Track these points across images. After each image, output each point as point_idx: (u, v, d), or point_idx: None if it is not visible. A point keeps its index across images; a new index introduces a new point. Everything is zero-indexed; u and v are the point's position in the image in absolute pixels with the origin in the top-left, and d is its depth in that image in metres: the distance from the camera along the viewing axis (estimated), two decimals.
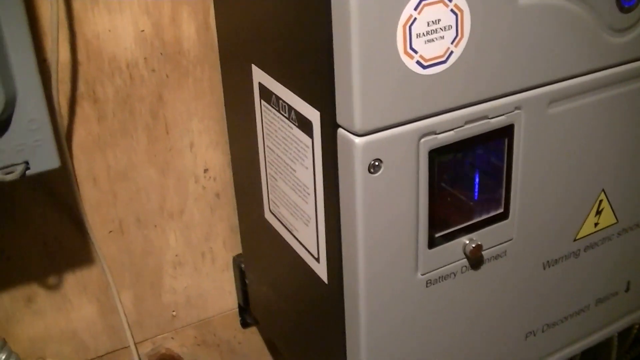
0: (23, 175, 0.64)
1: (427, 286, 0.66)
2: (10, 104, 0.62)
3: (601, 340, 0.84)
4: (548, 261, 0.74)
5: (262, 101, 0.71)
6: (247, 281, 0.92)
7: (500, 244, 0.69)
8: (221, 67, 0.82)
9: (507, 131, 0.64)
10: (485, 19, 0.58)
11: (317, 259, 0.68)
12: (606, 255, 0.79)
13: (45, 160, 0.66)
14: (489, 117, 0.62)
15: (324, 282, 0.68)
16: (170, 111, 0.83)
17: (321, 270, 0.68)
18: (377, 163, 0.58)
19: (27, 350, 0.86)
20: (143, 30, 0.79)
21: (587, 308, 0.81)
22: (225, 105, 0.84)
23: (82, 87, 0.77)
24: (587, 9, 0.63)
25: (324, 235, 0.66)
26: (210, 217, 0.91)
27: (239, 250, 0.95)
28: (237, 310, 0.98)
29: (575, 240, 0.75)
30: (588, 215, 0.74)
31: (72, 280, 0.85)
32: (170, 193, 0.87)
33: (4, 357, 0.74)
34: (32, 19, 0.71)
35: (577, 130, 0.69)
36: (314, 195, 0.65)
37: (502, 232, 0.69)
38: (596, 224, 0.76)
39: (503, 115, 0.63)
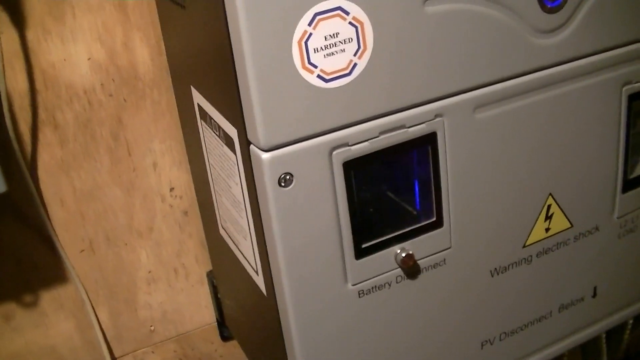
0: None
1: (359, 296, 0.67)
2: None
3: (569, 348, 0.83)
4: (496, 268, 0.73)
5: (201, 121, 0.73)
6: (219, 295, 0.94)
7: (437, 252, 0.69)
8: (174, 89, 0.85)
9: (429, 139, 0.64)
10: (389, 29, 0.58)
11: (257, 272, 0.70)
12: (564, 261, 0.77)
13: None
14: (407, 126, 0.62)
15: (264, 294, 0.69)
16: (130, 133, 0.86)
17: (260, 282, 0.69)
18: (287, 177, 0.59)
19: None
20: (96, 58, 0.82)
21: (549, 315, 0.79)
22: (181, 125, 0.86)
23: (42, 114, 0.81)
24: (506, 12, 0.63)
25: (257, 249, 0.67)
26: (179, 234, 0.93)
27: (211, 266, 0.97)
28: (216, 324, 1.00)
29: (525, 246, 0.74)
30: (536, 220, 0.73)
31: (48, 298, 0.89)
32: (138, 212, 0.90)
33: None
34: None
35: (511, 134, 0.68)
36: (245, 210, 0.67)
37: (437, 240, 0.68)
38: (547, 229, 0.75)
39: (423, 123, 0.63)
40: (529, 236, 0.74)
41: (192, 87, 0.73)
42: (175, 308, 0.97)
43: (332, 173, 0.61)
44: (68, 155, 0.83)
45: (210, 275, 0.96)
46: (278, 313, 0.67)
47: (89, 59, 0.81)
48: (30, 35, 0.78)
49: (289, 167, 0.59)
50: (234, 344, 0.99)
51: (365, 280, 0.66)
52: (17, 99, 0.79)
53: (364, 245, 0.65)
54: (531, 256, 0.75)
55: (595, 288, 0.81)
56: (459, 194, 0.68)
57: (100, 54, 0.81)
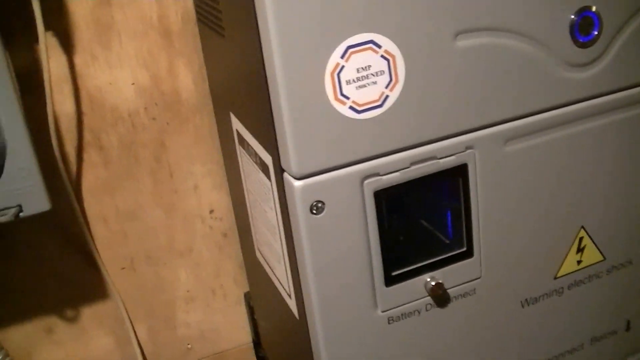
0: (17, 217, 0.71)
1: (389, 323, 0.68)
2: (1, 154, 0.69)
3: None
4: (527, 299, 0.74)
5: (239, 146, 0.75)
6: (255, 317, 0.96)
7: (467, 282, 0.69)
8: (215, 115, 0.87)
9: (460, 171, 0.65)
10: (421, 63, 0.59)
11: (290, 296, 0.71)
12: (596, 293, 0.77)
13: (37, 203, 0.72)
14: (438, 157, 0.63)
15: (296, 317, 0.71)
16: (172, 156, 0.88)
17: (293, 305, 0.71)
18: (319, 204, 0.61)
19: None
20: (141, 83, 0.85)
21: (580, 347, 0.79)
22: (221, 149, 0.88)
23: (87, 135, 0.84)
24: (538, 46, 0.64)
25: (290, 273, 0.69)
26: (218, 255, 0.95)
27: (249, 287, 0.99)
28: (252, 344, 1.01)
29: (556, 278, 0.74)
30: (568, 252, 0.74)
31: (89, 313, 0.92)
32: (178, 232, 0.92)
33: None
34: (37, 77, 0.78)
35: (541, 167, 0.69)
36: (279, 235, 0.69)
37: (467, 270, 0.69)
38: (579, 262, 0.75)
39: (453, 155, 0.64)
40: (560, 268, 0.74)
41: (231, 113, 0.75)
42: (212, 327, 0.99)
43: (364, 202, 0.62)
44: (112, 176, 0.86)
45: (247, 296, 0.98)
46: (309, 336, 0.68)
47: (133, 83, 0.84)
48: (78, 60, 0.81)
49: (320, 195, 0.61)
50: None
51: (395, 307, 0.67)
52: (64, 121, 0.83)
53: (394, 273, 0.66)
54: (562, 288, 0.75)
55: (628, 321, 0.81)
56: (489, 224, 0.68)
57: (144, 79, 0.84)
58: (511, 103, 0.65)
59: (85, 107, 0.83)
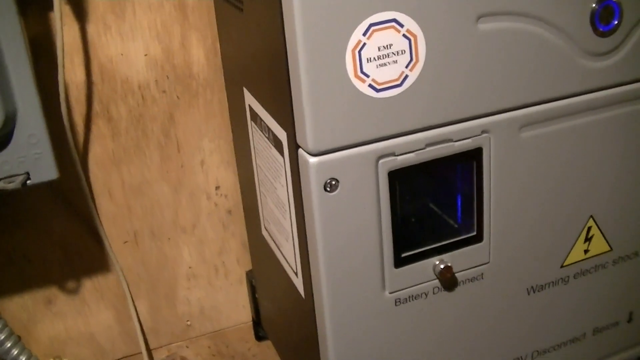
0: (24, 184, 0.70)
1: (396, 305, 0.68)
2: (11, 120, 0.68)
3: None
4: (533, 287, 0.74)
5: (251, 122, 0.75)
6: (256, 296, 0.96)
7: (475, 266, 0.69)
8: (226, 90, 0.86)
9: (474, 154, 0.65)
10: (441, 44, 0.59)
11: (296, 274, 0.71)
12: (601, 284, 0.78)
13: (45, 171, 0.71)
14: (453, 140, 0.63)
15: (302, 296, 0.71)
16: (181, 130, 0.88)
17: (299, 284, 0.71)
18: (333, 182, 0.61)
19: (46, 350, 0.92)
20: (153, 55, 0.84)
21: (582, 337, 0.79)
22: (231, 125, 0.88)
23: (96, 106, 0.83)
24: (559, 33, 0.64)
25: (299, 251, 0.68)
26: (222, 233, 0.95)
27: (251, 266, 0.99)
28: (252, 323, 1.01)
29: (563, 266, 0.74)
30: (576, 241, 0.74)
31: (90, 286, 0.91)
32: (183, 208, 0.92)
33: (15, 352, 0.80)
34: (49, 45, 0.78)
35: (555, 155, 0.69)
36: (289, 212, 0.68)
37: (476, 254, 0.69)
38: (586, 251, 0.75)
39: (469, 138, 0.64)
40: (567, 257, 0.74)
41: (244, 88, 0.75)
42: (212, 305, 0.99)
43: (377, 181, 0.62)
44: (119, 148, 0.86)
45: (249, 275, 0.98)
46: (315, 315, 0.68)
47: (145, 55, 0.83)
48: (91, 29, 0.80)
49: (335, 172, 0.60)
50: (267, 344, 1.00)
51: (403, 289, 0.67)
52: (73, 90, 0.82)
53: (403, 255, 0.66)
54: (568, 277, 0.75)
55: (631, 313, 0.81)
56: (500, 209, 0.69)
57: (157, 52, 0.84)
58: (528, 89, 0.65)
59: (95, 77, 0.82)
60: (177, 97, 0.86)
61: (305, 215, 0.63)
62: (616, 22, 0.66)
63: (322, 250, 0.63)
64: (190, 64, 0.85)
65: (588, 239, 0.75)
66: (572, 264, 0.75)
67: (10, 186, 0.70)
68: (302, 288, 0.70)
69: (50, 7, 0.74)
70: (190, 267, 0.95)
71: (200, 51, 0.85)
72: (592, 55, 0.66)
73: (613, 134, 0.71)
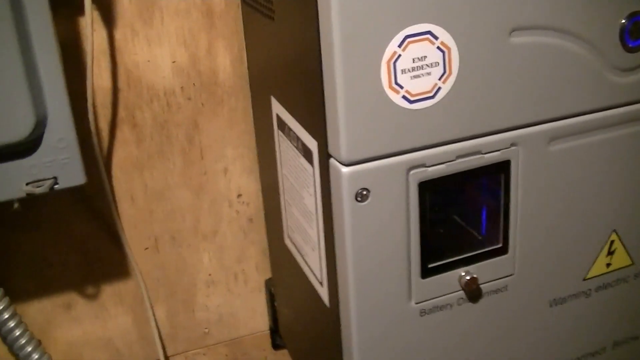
0: (52, 189, 0.71)
1: (421, 315, 0.68)
2: (41, 124, 0.68)
3: None
4: (555, 299, 0.74)
5: (279, 131, 0.75)
6: (275, 304, 0.96)
7: (500, 278, 0.70)
8: (251, 98, 0.87)
9: (503, 167, 0.66)
10: (474, 57, 0.60)
11: (321, 283, 0.71)
12: (622, 297, 0.78)
13: (73, 176, 0.72)
14: (483, 152, 0.64)
15: (326, 305, 0.71)
16: (205, 137, 0.88)
17: (324, 293, 0.71)
18: (364, 192, 0.61)
19: (65, 354, 0.93)
20: (179, 62, 0.85)
21: (603, 350, 0.80)
22: (255, 134, 0.88)
23: (122, 112, 0.84)
24: (589, 48, 0.64)
25: (325, 260, 0.69)
26: (242, 240, 0.95)
27: (271, 274, 0.99)
28: (269, 331, 1.01)
29: (585, 279, 0.75)
30: (598, 255, 0.74)
31: (109, 291, 0.92)
32: (205, 215, 0.92)
33: (36, 356, 0.81)
34: (77, 49, 0.79)
35: (583, 168, 0.69)
36: (316, 221, 0.69)
37: (501, 266, 0.69)
38: (608, 265, 0.75)
39: (498, 151, 0.64)
40: (590, 270, 0.75)
41: (272, 97, 0.75)
42: (231, 312, 0.99)
43: (408, 192, 0.62)
44: (143, 154, 0.86)
45: (268, 283, 0.98)
46: (339, 325, 0.68)
47: (173, 62, 0.84)
48: (118, 35, 0.81)
49: (366, 182, 0.61)
50: (284, 353, 1.00)
51: (429, 300, 0.67)
52: (99, 95, 0.83)
53: (430, 265, 0.66)
54: (590, 290, 0.76)
55: None
56: (526, 222, 0.69)
57: (183, 58, 0.84)
58: (557, 103, 0.65)
59: (121, 83, 0.82)
60: (202, 104, 0.87)
61: (334, 224, 0.64)
62: None
63: (350, 259, 0.63)
64: (216, 72, 0.86)
65: (610, 253, 0.75)
66: (594, 277, 0.75)
67: (38, 190, 0.71)
68: (327, 297, 0.70)
69: (80, 11, 0.74)
70: (209, 274, 0.95)
71: (227, 59, 0.86)
72: (621, 70, 0.67)
73: (638, 149, 0.72)
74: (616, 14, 0.64)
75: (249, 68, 0.85)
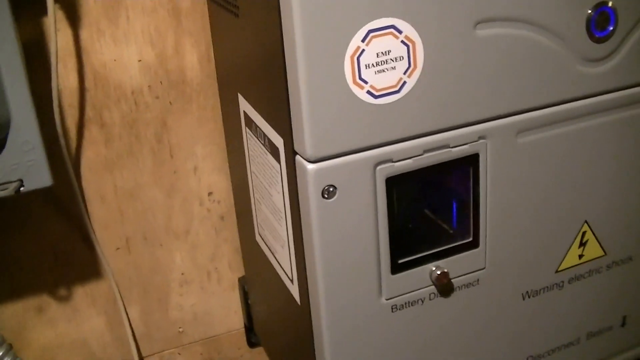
0: (17, 191, 0.70)
1: (392, 311, 0.67)
2: (4, 127, 0.67)
3: None
4: (528, 292, 0.74)
5: (246, 128, 0.74)
6: (249, 302, 0.96)
7: (471, 272, 0.70)
8: (219, 96, 0.86)
9: (471, 160, 0.65)
10: (440, 50, 0.59)
11: (292, 281, 0.71)
12: (595, 288, 0.78)
13: (39, 178, 0.70)
14: (450, 146, 0.63)
15: (297, 303, 0.70)
16: (174, 136, 0.87)
17: (295, 291, 0.70)
18: (331, 189, 0.60)
19: (39, 357, 0.91)
20: (146, 60, 0.84)
21: (577, 341, 0.80)
22: (224, 132, 0.88)
23: (89, 112, 0.83)
24: (555, 39, 0.64)
25: (294, 258, 0.68)
26: (215, 239, 0.94)
27: (244, 272, 0.98)
28: (244, 329, 1.01)
29: (557, 271, 0.75)
30: (570, 246, 0.74)
31: (82, 293, 0.91)
32: (176, 214, 0.91)
33: None
34: (41, 50, 0.77)
35: (551, 160, 0.69)
36: (285, 219, 0.68)
37: (472, 260, 0.69)
38: (581, 256, 0.75)
39: (466, 144, 0.64)
40: (562, 262, 0.75)
41: (239, 94, 0.75)
42: (205, 311, 0.98)
43: (375, 188, 0.62)
44: (112, 154, 0.85)
45: (242, 281, 0.97)
46: (311, 322, 0.68)
47: (139, 60, 0.83)
48: (84, 34, 0.80)
49: (333, 179, 0.60)
50: (260, 351, 1.00)
51: (400, 295, 0.67)
52: (66, 96, 0.81)
53: (400, 261, 0.66)
54: (563, 282, 0.76)
55: (624, 317, 0.82)
56: (496, 215, 0.69)
57: (150, 57, 0.83)
58: (525, 95, 0.65)
59: (88, 83, 0.81)
60: (170, 102, 0.86)
61: (302, 222, 0.63)
62: (611, 28, 0.66)
63: (319, 257, 0.63)
64: (184, 70, 0.85)
65: (582, 244, 0.75)
66: (566, 268, 0.75)
67: (3, 193, 0.70)
68: (298, 295, 0.70)
69: (44, 12, 0.73)
70: (182, 273, 0.95)
71: (194, 57, 0.85)
72: (588, 61, 0.66)
73: (608, 139, 0.71)
74: (582, 4, 0.64)
75: (216, 66, 0.85)
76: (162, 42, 0.83)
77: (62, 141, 0.78)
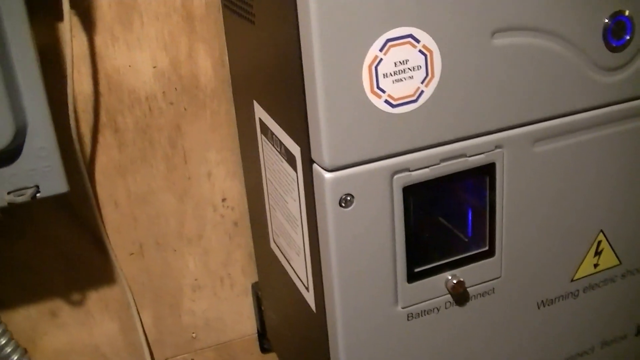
0: (34, 197, 0.70)
1: (408, 319, 0.67)
2: (21, 133, 0.67)
3: None
4: (543, 301, 0.74)
5: (262, 135, 0.74)
6: (262, 308, 0.96)
7: (487, 281, 0.69)
8: (234, 102, 0.86)
9: (488, 169, 0.65)
10: (457, 59, 0.59)
11: (307, 288, 0.71)
12: (610, 297, 0.78)
13: (55, 184, 0.71)
14: (467, 155, 0.63)
15: (313, 310, 0.70)
16: (188, 141, 0.87)
17: (310, 299, 0.70)
18: (348, 198, 0.60)
19: None
20: (160, 66, 0.84)
21: (591, 350, 0.79)
22: (238, 137, 0.87)
23: (103, 117, 0.83)
24: (572, 49, 0.64)
25: (310, 266, 0.68)
26: (228, 244, 0.95)
27: (257, 278, 0.98)
28: (257, 335, 1.01)
29: (572, 280, 0.74)
30: (586, 255, 0.74)
31: (95, 298, 0.91)
32: (189, 219, 0.91)
33: None
34: (56, 55, 0.78)
35: (568, 169, 0.69)
36: (301, 226, 0.68)
37: (488, 269, 0.69)
38: (596, 265, 0.75)
39: (482, 154, 0.64)
40: (577, 271, 0.74)
41: (254, 101, 0.75)
42: (218, 316, 0.99)
43: (392, 197, 0.62)
44: (126, 159, 0.86)
45: (255, 287, 0.97)
46: (326, 330, 0.68)
47: (154, 67, 0.83)
48: (98, 40, 0.80)
49: (350, 188, 0.60)
50: (272, 357, 1.00)
51: (415, 304, 0.67)
52: (81, 101, 0.82)
53: (416, 270, 0.66)
54: (578, 290, 0.75)
55: (638, 326, 0.81)
56: (512, 224, 0.68)
57: (164, 63, 0.83)
58: (542, 104, 0.65)
59: (102, 88, 0.82)
60: (184, 108, 0.86)
61: (318, 230, 0.63)
62: (628, 37, 0.66)
63: (335, 265, 0.62)
64: (198, 75, 0.85)
65: (598, 253, 0.75)
66: (581, 277, 0.75)
67: (20, 199, 0.70)
68: (314, 302, 0.69)
69: (59, 17, 0.73)
70: (195, 279, 0.95)
71: (208, 62, 0.85)
72: (604, 70, 0.66)
73: (624, 149, 0.71)
74: (599, 13, 0.64)
75: (231, 72, 0.85)
76: (175, 48, 0.83)
77: (76, 146, 0.78)
